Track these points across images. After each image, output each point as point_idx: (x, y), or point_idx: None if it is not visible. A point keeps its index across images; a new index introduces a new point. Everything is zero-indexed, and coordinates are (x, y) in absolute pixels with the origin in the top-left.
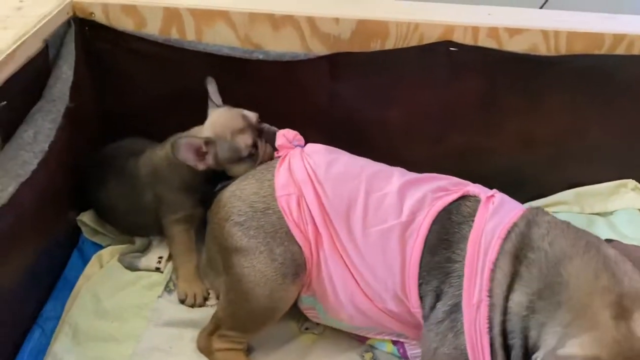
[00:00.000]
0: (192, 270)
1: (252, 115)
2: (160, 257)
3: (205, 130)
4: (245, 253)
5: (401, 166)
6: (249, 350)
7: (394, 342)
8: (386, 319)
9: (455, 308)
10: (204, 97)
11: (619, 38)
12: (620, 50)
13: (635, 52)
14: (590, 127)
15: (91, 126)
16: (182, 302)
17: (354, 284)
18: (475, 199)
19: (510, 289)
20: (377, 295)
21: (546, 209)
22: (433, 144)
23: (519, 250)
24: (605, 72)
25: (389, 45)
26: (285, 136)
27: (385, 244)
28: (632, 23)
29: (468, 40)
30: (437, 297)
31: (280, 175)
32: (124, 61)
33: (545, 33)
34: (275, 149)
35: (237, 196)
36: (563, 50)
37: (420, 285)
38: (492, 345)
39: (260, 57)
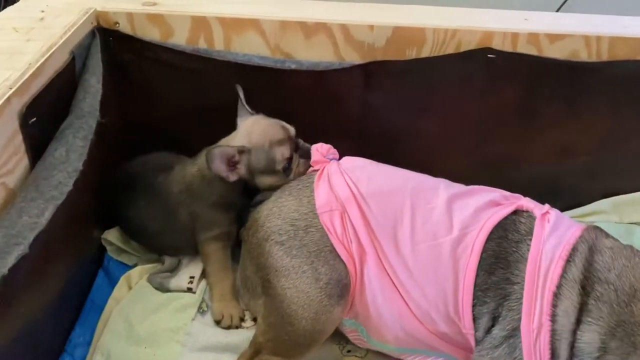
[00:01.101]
0: (228, 290)
1: (291, 129)
2: (192, 277)
3: (239, 138)
4: (287, 273)
5: (435, 176)
6: None
7: None
8: (435, 340)
9: (514, 333)
10: (233, 109)
11: None
12: None
13: None
14: (631, 135)
15: (116, 141)
16: (218, 323)
17: (402, 304)
18: (529, 215)
19: (579, 321)
20: (426, 315)
21: (585, 219)
22: (469, 154)
23: (584, 280)
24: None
25: (425, 52)
26: (319, 150)
27: (436, 261)
28: None
29: (507, 47)
30: (494, 320)
31: (320, 190)
32: (150, 72)
33: (587, 38)
34: (309, 166)
35: (275, 214)
36: (605, 56)
37: (474, 305)
38: None
39: (293, 66)
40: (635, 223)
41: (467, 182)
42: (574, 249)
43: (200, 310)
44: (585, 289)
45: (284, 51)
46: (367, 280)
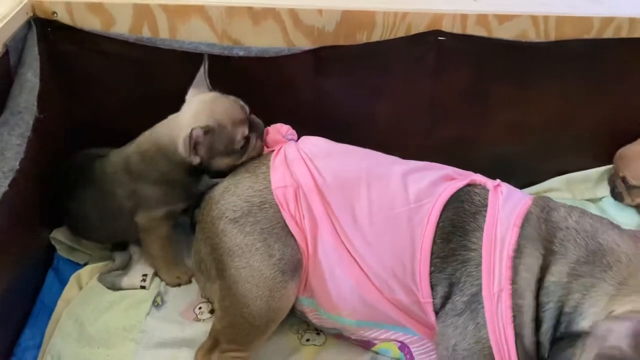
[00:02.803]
0: (171, 260)
1: (246, 107)
2: (145, 275)
3: (200, 116)
4: (240, 252)
5: None
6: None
7: (400, 347)
8: (394, 310)
9: (475, 298)
10: (182, 98)
11: (606, 21)
12: (608, 34)
13: (622, 35)
14: (580, 114)
15: (60, 136)
16: (178, 285)
17: (361, 274)
18: (483, 187)
19: (545, 269)
20: (385, 284)
21: None
22: (423, 136)
23: (544, 233)
24: (594, 56)
25: (376, 36)
26: (278, 130)
27: (394, 231)
28: (619, 6)
29: (457, 29)
30: (451, 286)
31: (276, 167)
32: (93, 64)
33: (534, 18)
34: (262, 145)
35: (231, 192)
36: (552, 36)
37: (432, 273)
38: (517, 333)
39: (241, 53)
40: (587, 200)
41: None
42: (529, 213)
43: (155, 304)
44: (547, 239)
45: (232, 38)
46: (322, 253)
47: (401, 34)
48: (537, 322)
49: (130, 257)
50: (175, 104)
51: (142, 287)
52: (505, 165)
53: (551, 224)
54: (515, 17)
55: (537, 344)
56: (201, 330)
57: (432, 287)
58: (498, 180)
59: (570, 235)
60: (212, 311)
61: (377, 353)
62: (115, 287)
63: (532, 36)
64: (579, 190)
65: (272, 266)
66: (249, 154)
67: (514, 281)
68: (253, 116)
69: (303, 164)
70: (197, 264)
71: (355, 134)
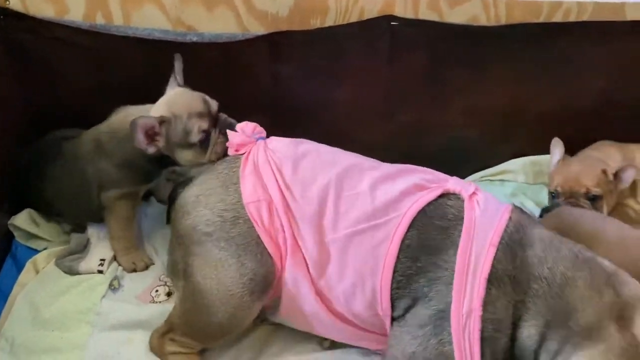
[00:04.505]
0: (131, 243)
1: (213, 103)
2: (102, 260)
3: (159, 108)
4: (212, 265)
5: (351, 146)
6: (202, 349)
7: None
8: (352, 330)
9: (442, 315)
10: (137, 84)
11: (556, 5)
12: (557, 18)
13: (571, 19)
14: (534, 97)
15: (18, 123)
16: (133, 270)
17: (316, 297)
18: (457, 198)
19: (517, 317)
20: (347, 305)
21: (495, 178)
22: (382, 122)
23: (518, 275)
24: (545, 40)
25: (329, 21)
26: (244, 131)
27: (357, 247)
28: None
29: (409, 14)
30: (415, 300)
31: (247, 179)
32: (48, 51)
33: (485, 2)
34: (226, 144)
35: (202, 203)
36: (503, 20)
37: (395, 289)
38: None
39: (194, 39)
40: (541, 183)
41: (384, 150)
42: (504, 236)
43: (112, 287)
44: (521, 286)
45: (186, 24)
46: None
47: (354, 19)
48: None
49: (88, 240)
50: (130, 89)
51: (100, 272)
52: (464, 148)
53: (525, 267)
54: (466, 1)
55: None
56: (157, 312)
57: (394, 302)
58: (474, 186)
59: (543, 290)
60: (169, 294)
61: None
62: (72, 272)
63: (483, 20)
64: (533, 173)
65: (242, 285)
66: (212, 150)
67: (485, 309)
68: (222, 114)
69: (272, 177)
70: (171, 265)
71: (315, 121)
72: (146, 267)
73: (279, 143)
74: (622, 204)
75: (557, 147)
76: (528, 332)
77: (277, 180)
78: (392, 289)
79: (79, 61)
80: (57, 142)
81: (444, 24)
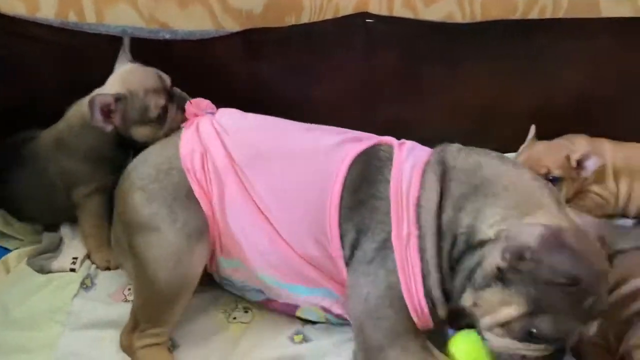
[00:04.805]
0: (104, 240)
1: (167, 78)
2: (75, 258)
3: (113, 85)
4: (147, 221)
5: None
6: (173, 347)
7: (323, 309)
8: (308, 268)
9: (385, 244)
10: None
11: (531, 2)
12: (533, 15)
13: (547, 15)
14: (511, 94)
15: None
16: (107, 269)
17: (272, 230)
18: (389, 146)
19: (440, 208)
20: (296, 239)
21: None
22: (359, 119)
23: (439, 176)
24: (521, 37)
25: (304, 19)
26: (198, 105)
27: (304, 185)
28: None
29: (384, 11)
30: (359, 233)
31: (186, 134)
32: (20, 49)
33: (459, 0)
34: (183, 117)
35: (141, 161)
36: (478, 17)
37: (341, 223)
38: (423, 274)
39: (167, 36)
40: None
41: None
42: (428, 162)
43: (84, 286)
44: (440, 181)
45: (160, 21)
46: (231, 213)
47: (329, 16)
48: (439, 259)
49: (61, 239)
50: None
51: (72, 270)
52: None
53: (443, 166)
54: None
55: (442, 280)
56: (128, 310)
57: (342, 237)
58: (403, 140)
59: (455, 174)
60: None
61: (301, 319)
62: (44, 271)
63: (458, 17)
64: None
65: (177, 231)
66: (169, 125)
67: (419, 226)
68: (176, 89)
69: (212, 129)
70: (116, 242)
71: (291, 117)
72: (113, 267)
73: (225, 110)
74: (586, 190)
75: (530, 133)
76: (446, 211)
77: (217, 133)
78: (339, 224)
79: (51, 59)
80: (16, 146)
81: (419, 21)
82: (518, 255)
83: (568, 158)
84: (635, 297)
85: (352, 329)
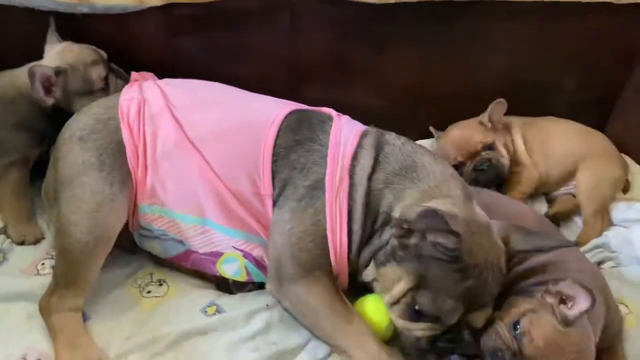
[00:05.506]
0: (23, 213)
1: (103, 52)
2: None
3: (52, 60)
4: (76, 168)
5: None
6: (84, 319)
7: (244, 256)
8: (234, 202)
9: (318, 185)
10: (28, 55)
11: None
12: None
13: None
14: (440, 77)
15: None
16: (22, 243)
17: (202, 162)
18: (328, 114)
19: (373, 171)
20: (227, 172)
21: None
22: (287, 98)
23: (377, 145)
24: (449, 19)
25: None
26: (143, 77)
27: (241, 127)
28: None
29: None
30: (293, 171)
31: (128, 88)
32: None
33: None
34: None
35: (83, 112)
36: None
37: (275, 162)
38: (350, 216)
39: (85, 10)
40: None
41: None
42: (366, 131)
43: None
44: (377, 149)
45: None
46: (162, 152)
47: None
48: (365, 217)
49: None
50: (22, 58)
51: None
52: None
53: (383, 140)
54: None
55: (362, 238)
56: (39, 283)
57: (273, 176)
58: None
59: (393, 151)
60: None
61: (219, 285)
62: None
63: None
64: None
65: (102, 180)
66: (112, 94)
67: (351, 176)
68: (112, 64)
69: (155, 85)
70: (46, 192)
71: None
72: (36, 241)
73: (169, 79)
74: (514, 172)
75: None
76: (377, 176)
77: (158, 85)
78: (273, 161)
79: None
80: None
81: (346, 2)
82: (399, 228)
83: (481, 122)
84: (528, 275)
85: (268, 262)
